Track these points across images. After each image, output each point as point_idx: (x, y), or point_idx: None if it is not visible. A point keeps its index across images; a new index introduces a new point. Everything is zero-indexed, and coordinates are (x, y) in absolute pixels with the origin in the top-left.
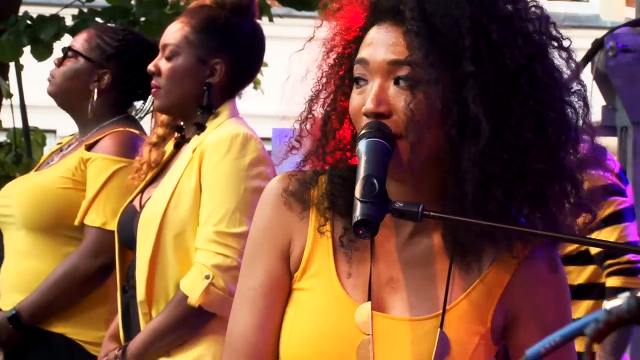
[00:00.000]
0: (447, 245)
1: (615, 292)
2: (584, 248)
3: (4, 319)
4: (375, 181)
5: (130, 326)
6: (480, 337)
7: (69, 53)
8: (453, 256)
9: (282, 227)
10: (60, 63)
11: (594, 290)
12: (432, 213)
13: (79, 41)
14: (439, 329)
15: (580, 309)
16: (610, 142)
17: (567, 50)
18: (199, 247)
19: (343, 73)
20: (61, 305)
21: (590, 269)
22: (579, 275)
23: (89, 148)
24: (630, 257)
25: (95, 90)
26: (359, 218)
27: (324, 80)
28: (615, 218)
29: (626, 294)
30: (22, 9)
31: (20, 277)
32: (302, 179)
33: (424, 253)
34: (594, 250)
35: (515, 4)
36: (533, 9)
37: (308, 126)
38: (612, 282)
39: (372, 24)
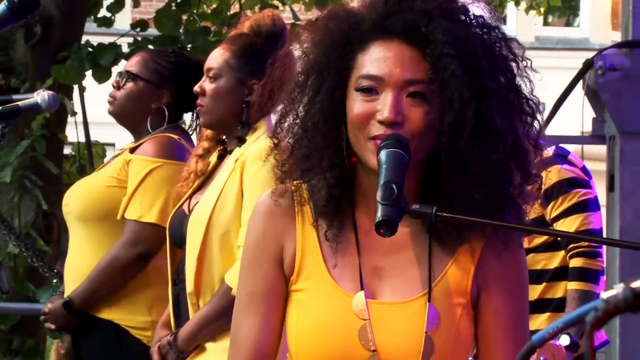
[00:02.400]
0: (426, 231)
1: (577, 271)
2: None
3: (60, 306)
4: (394, 186)
5: (180, 315)
6: (462, 308)
7: (128, 77)
8: (434, 238)
9: (273, 237)
10: (119, 86)
11: (567, 272)
12: (444, 214)
13: (136, 65)
14: (427, 303)
15: (560, 290)
16: (600, 150)
17: (524, 66)
18: (241, 245)
19: (332, 80)
20: (106, 292)
21: (562, 254)
22: (555, 260)
23: (132, 151)
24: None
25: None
26: (380, 219)
27: (305, 85)
28: (579, 207)
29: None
30: (84, 38)
31: (77, 267)
32: (285, 190)
33: (401, 241)
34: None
35: (494, 30)
36: (500, 33)
37: (287, 128)
38: (574, 263)
39: (372, 39)
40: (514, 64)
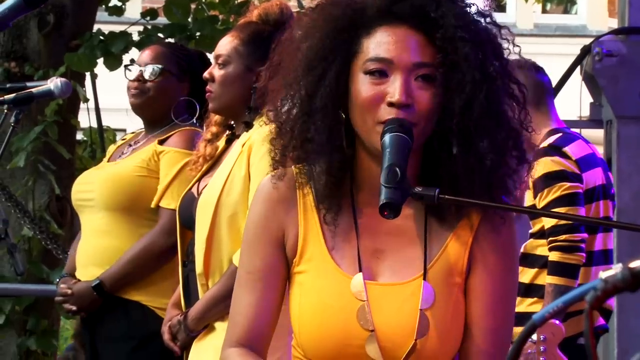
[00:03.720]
0: (424, 211)
1: (553, 265)
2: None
3: (87, 287)
4: (397, 169)
5: (190, 295)
6: (457, 287)
7: (160, 72)
8: (429, 221)
9: (275, 219)
10: (144, 79)
11: None
12: (446, 197)
13: (163, 60)
14: (423, 281)
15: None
16: (597, 134)
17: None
18: None
19: (337, 64)
20: (139, 277)
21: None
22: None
23: (161, 142)
24: (568, 236)
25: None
26: (384, 201)
27: (307, 69)
28: (561, 201)
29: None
30: (96, 27)
31: (98, 252)
32: (285, 174)
33: (401, 223)
34: (545, 227)
35: (488, 18)
36: (493, 21)
37: (286, 113)
38: (552, 256)
39: (376, 24)
40: (506, 51)
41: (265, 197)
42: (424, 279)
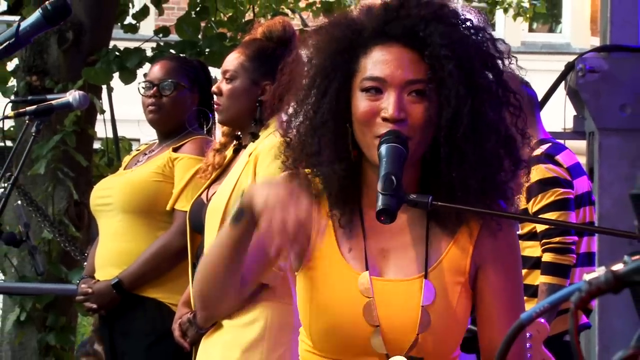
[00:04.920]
0: (427, 217)
1: (547, 266)
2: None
3: (107, 286)
4: (393, 178)
5: None
6: (461, 286)
7: (174, 86)
8: (430, 225)
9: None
10: (161, 95)
11: None
12: (439, 203)
13: (175, 74)
14: (424, 280)
15: (538, 278)
16: (580, 145)
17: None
18: None
19: (338, 82)
20: (155, 275)
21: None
22: (537, 249)
23: (175, 150)
24: (561, 238)
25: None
26: (381, 207)
27: (313, 87)
28: (555, 205)
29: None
30: (112, 43)
31: (116, 254)
32: (300, 175)
33: (406, 225)
34: (539, 230)
35: (482, 32)
36: (488, 34)
37: (296, 127)
38: (545, 257)
39: (373, 44)
40: (500, 62)
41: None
42: (425, 277)
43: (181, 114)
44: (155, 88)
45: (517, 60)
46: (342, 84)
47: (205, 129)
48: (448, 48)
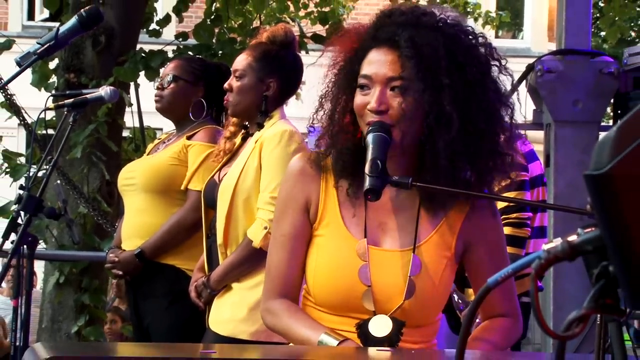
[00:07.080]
0: (420, 198)
1: (506, 238)
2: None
3: (131, 255)
4: (379, 162)
5: (212, 261)
6: (447, 260)
7: (172, 79)
8: (422, 204)
9: (302, 191)
10: (163, 87)
11: (511, 239)
12: (418, 184)
13: (175, 69)
14: (412, 254)
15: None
16: (539, 135)
17: (503, 67)
18: (260, 207)
19: (347, 80)
20: (173, 245)
21: None
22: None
23: (189, 138)
24: (517, 214)
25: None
26: (367, 187)
27: (331, 85)
28: (510, 186)
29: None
30: (138, 46)
31: (139, 227)
32: (316, 155)
33: (402, 204)
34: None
35: (471, 36)
36: (481, 39)
37: (320, 117)
38: (505, 231)
39: (370, 47)
40: (481, 49)
41: (294, 173)
42: (413, 252)
43: (180, 104)
44: (160, 82)
45: (506, 63)
46: (351, 84)
47: (214, 119)
48: (411, 50)
